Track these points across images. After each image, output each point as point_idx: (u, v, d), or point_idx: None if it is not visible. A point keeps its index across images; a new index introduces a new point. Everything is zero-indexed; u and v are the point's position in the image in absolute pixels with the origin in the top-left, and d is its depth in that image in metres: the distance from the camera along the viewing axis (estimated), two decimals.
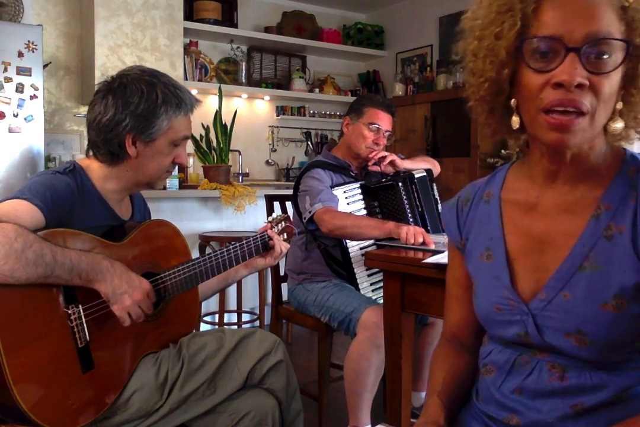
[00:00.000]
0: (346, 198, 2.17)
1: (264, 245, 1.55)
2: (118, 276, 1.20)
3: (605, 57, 0.74)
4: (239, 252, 1.49)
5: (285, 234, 1.65)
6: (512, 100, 0.83)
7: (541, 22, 0.76)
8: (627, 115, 0.81)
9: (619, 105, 0.79)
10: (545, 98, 0.76)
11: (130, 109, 1.28)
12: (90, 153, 1.37)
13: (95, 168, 1.35)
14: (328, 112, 5.44)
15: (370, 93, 5.16)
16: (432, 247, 1.74)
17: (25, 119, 3.49)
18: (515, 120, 0.84)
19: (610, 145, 0.85)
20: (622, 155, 0.85)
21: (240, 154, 4.79)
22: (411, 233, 1.82)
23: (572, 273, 0.82)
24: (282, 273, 2.43)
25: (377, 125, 2.22)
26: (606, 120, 0.79)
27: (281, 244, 1.57)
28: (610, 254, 0.80)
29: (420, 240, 1.79)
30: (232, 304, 3.53)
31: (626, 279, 0.78)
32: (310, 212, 2.08)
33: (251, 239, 1.52)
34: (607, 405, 0.82)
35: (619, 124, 0.80)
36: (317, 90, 5.22)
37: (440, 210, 2.29)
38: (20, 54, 3.44)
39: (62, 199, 1.24)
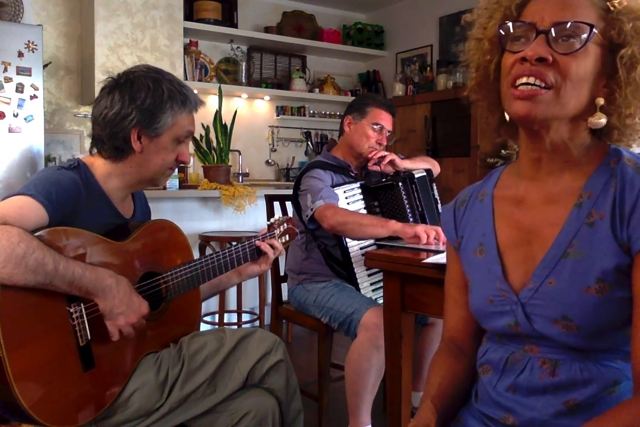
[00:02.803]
0: (346, 198, 2.17)
1: (258, 251, 1.55)
2: (120, 297, 1.20)
3: (572, 40, 0.80)
4: (240, 253, 1.49)
5: (287, 236, 1.65)
6: None
7: (522, 16, 0.85)
8: (613, 115, 0.84)
9: (600, 101, 0.83)
10: (513, 73, 0.83)
11: (137, 104, 1.30)
12: (94, 150, 1.37)
13: (99, 165, 1.36)
14: (328, 112, 5.44)
15: (370, 93, 5.16)
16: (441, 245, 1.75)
17: (25, 119, 3.49)
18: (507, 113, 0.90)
19: (596, 141, 0.89)
20: (606, 149, 0.88)
21: (240, 154, 4.79)
22: (421, 230, 1.81)
23: (556, 260, 0.85)
24: (282, 273, 2.43)
25: (380, 125, 2.22)
26: (579, 105, 0.83)
27: (271, 243, 1.56)
28: (592, 240, 0.83)
29: (441, 237, 1.77)
30: (232, 304, 3.53)
31: (606, 263, 0.81)
32: (312, 209, 2.08)
33: (233, 248, 1.51)
34: (598, 400, 0.84)
35: (601, 120, 0.84)
36: (317, 90, 5.22)
37: (440, 210, 2.29)
38: (20, 54, 3.44)
39: (67, 195, 1.24)
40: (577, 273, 0.83)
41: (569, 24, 0.79)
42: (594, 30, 0.79)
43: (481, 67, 0.91)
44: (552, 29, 0.80)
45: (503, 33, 0.85)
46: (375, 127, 2.22)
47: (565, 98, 0.81)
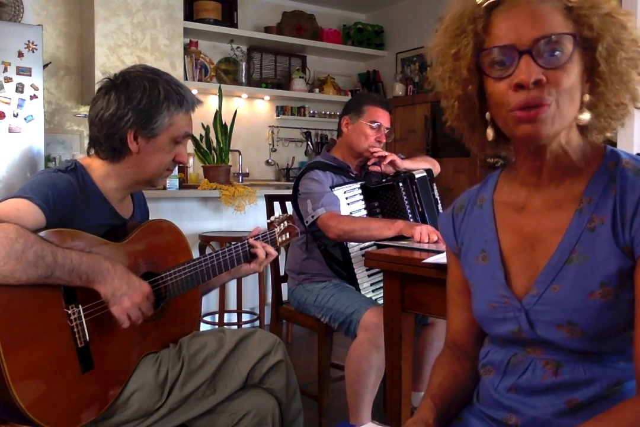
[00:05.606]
0: (346, 198, 2.17)
1: (251, 253, 1.53)
2: (119, 277, 1.20)
3: (557, 53, 0.79)
4: (240, 252, 1.49)
5: (287, 234, 1.65)
6: (487, 113, 0.88)
7: (493, 36, 0.82)
8: (598, 106, 0.84)
9: (586, 98, 0.83)
10: (511, 101, 0.80)
11: (133, 104, 1.29)
12: (92, 151, 1.37)
13: (96, 166, 1.35)
14: (328, 112, 5.43)
15: (365, 92, 5.16)
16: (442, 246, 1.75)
17: (25, 119, 3.49)
18: (489, 133, 0.89)
19: (590, 142, 0.89)
20: (603, 151, 0.88)
21: (240, 154, 4.79)
22: (425, 232, 1.85)
23: (560, 266, 0.85)
24: (282, 273, 2.43)
25: (378, 123, 2.22)
26: (575, 110, 0.83)
27: (267, 249, 1.54)
28: (594, 245, 0.83)
29: (435, 238, 1.82)
30: (232, 304, 3.52)
31: (609, 267, 0.82)
32: (312, 216, 2.08)
33: (232, 247, 1.50)
34: (600, 400, 0.83)
35: (585, 115, 0.84)
36: (317, 90, 5.22)
37: (440, 210, 2.30)
38: (20, 54, 3.45)
39: (63, 197, 1.24)
40: (581, 278, 0.83)
41: (550, 38, 0.78)
42: (577, 38, 0.79)
43: (462, 98, 0.88)
44: (534, 47, 0.78)
45: (482, 60, 0.83)
46: (373, 125, 2.21)
47: (564, 108, 0.80)
